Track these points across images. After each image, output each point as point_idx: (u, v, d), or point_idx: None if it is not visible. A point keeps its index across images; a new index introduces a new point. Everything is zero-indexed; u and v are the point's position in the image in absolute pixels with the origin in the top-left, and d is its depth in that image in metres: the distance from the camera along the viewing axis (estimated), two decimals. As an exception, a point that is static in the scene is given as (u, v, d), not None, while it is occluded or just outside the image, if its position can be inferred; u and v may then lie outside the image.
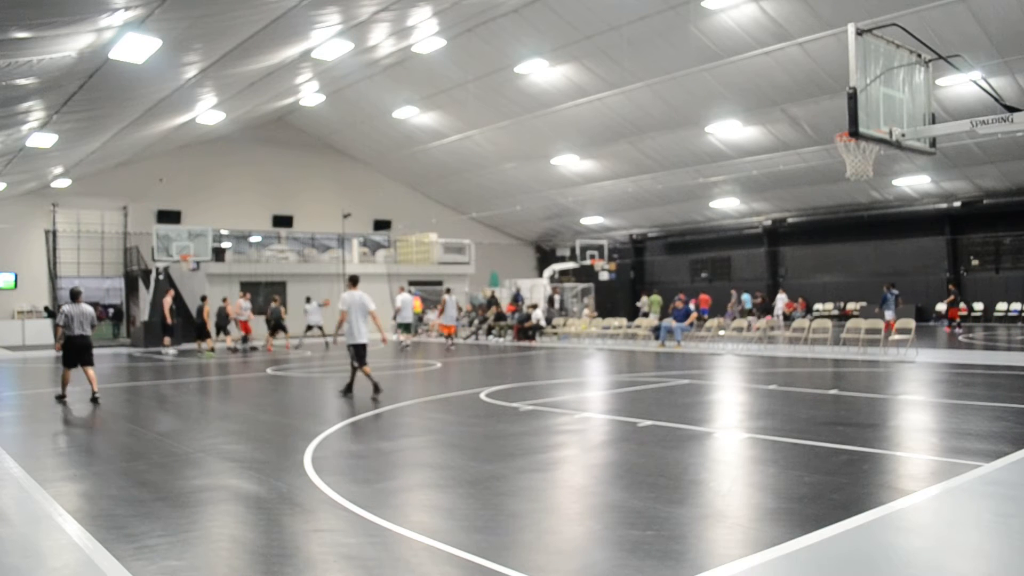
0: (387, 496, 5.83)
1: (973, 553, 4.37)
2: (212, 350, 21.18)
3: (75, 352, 11.50)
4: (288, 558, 4.43)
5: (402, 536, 4.79)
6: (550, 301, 31.98)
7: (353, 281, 11.57)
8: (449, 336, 23.29)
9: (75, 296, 11.70)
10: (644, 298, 29.25)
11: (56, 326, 11.61)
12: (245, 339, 23.52)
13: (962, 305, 25.88)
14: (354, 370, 11.55)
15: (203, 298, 22.49)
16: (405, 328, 23.99)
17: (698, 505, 5.43)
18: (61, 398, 11.64)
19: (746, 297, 29.04)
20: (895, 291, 22.28)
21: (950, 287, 25.94)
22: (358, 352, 11.39)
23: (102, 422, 10.04)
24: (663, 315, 26.55)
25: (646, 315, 26.73)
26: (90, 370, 11.56)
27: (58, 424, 10.12)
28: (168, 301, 22.07)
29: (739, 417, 9.43)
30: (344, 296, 11.41)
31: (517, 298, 28.29)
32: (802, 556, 4.25)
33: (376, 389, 11.34)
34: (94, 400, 11.30)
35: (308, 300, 24.34)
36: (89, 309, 11.70)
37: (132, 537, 4.85)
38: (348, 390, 11.60)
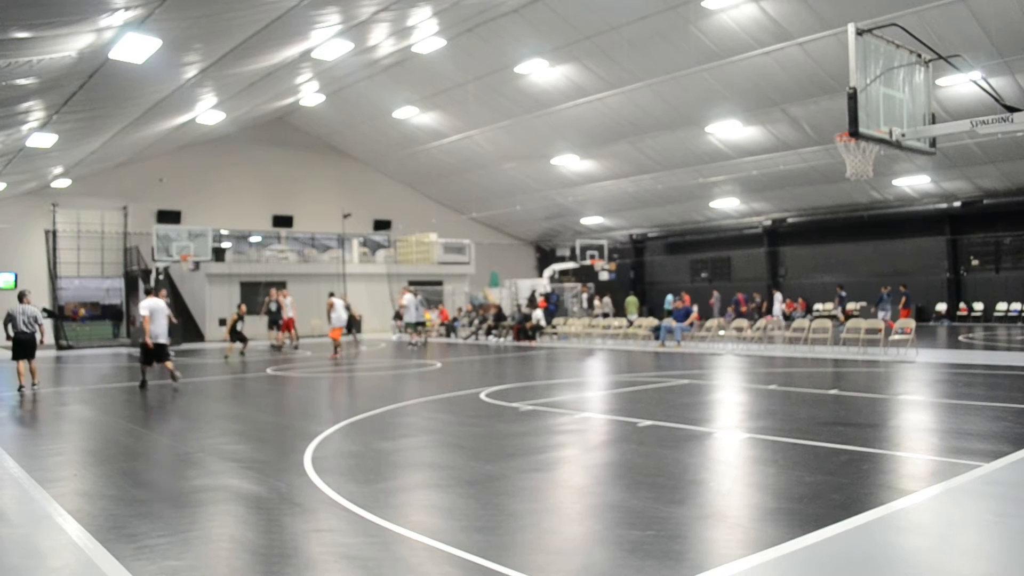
0: (387, 496, 5.83)
1: (973, 553, 4.37)
2: (234, 353, 20.84)
3: (19, 347, 12.88)
4: (288, 558, 4.43)
5: (402, 536, 4.79)
6: (589, 302, 32.11)
7: (155, 290, 13.83)
8: (336, 343, 19.99)
9: (21, 298, 13.22)
10: (669, 297, 29.22)
11: (4, 324, 13.14)
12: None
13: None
14: (165, 364, 13.29)
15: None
16: (414, 327, 23.80)
17: (698, 505, 5.43)
18: (20, 388, 12.81)
19: (668, 298, 28.41)
20: (888, 292, 22.14)
21: (895, 288, 25.40)
22: (159, 350, 13.20)
23: (102, 422, 10.04)
24: (640, 314, 26.94)
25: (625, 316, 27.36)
26: (31, 363, 12.98)
27: (58, 424, 10.12)
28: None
29: (739, 417, 9.42)
30: (145, 303, 13.32)
31: (549, 297, 28.34)
32: (802, 556, 4.25)
33: (143, 384, 13.16)
34: (32, 390, 12.81)
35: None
36: (32, 309, 13.14)
37: (132, 537, 4.85)
38: (143, 386, 13.18)
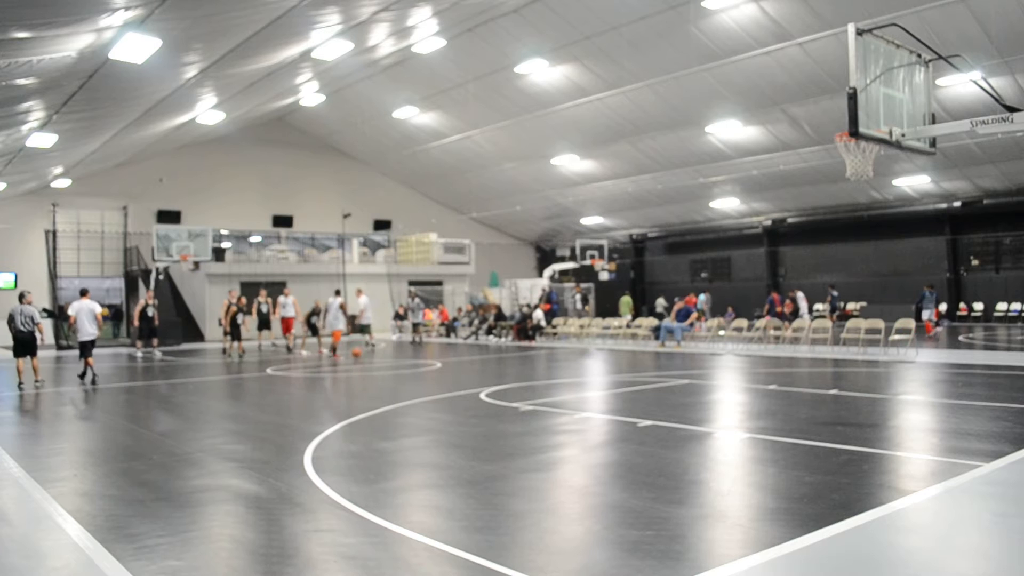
0: (387, 496, 5.83)
1: (973, 553, 4.37)
2: (235, 352, 20.44)
3: (19, 345, 13.44)
4: (288, 558, 4.43)
5: (402, 536, 4.79)
6: (584, 301, 32.03)
7: (83, 293, 14.78)
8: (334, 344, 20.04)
9: (21, 298, 13.80)
10: (660, 300, 29.26)
11: (7, 323, 13.73)
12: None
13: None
14: (87, 360, 14.24)
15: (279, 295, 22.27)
16: (364, 329, 23.03)
17: (698, 505, 5.43)
18: (20, 385, 13.40)
19: (702, 297, 28.73)
20: (932, 290, 22.29)
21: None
22: (84, 346, 14.32)
23: (102, 422, 10.04)
24: (636, 315, 27.01)
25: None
26: (34, 361, 13.57)
27: (58, 424, 10.12)
28: (141, 303, 21.14)
29: (739, 417, 9.42)
30: (74, 304, 14.52)
31: (550, 298, 28.28)
32: (802, 556, 4.25)
33: (94, 379, 13.96)
34: (35, 386, 13.38)
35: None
36: (31, 309, 13.70)
37: (132, 537, 4.85)
38: (83, 376, 14.24)
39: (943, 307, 29.34)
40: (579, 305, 32.45)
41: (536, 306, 26.70)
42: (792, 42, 20.57)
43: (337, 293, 21.02)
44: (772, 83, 22.83)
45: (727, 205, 33.82)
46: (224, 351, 20.83)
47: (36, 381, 13.56)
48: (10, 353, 13.70)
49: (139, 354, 21.04)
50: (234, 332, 20.36)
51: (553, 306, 27.11)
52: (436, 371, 15.96)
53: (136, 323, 21.40)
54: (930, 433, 8.13)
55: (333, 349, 19.97)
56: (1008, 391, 10.88)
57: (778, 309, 26.78)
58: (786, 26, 20.06)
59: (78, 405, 11.64)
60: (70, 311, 14.52)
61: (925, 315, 21.46)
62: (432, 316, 28.93)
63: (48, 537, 4.99)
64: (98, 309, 14.68)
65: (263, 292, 23.17)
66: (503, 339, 25.51)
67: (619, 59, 22.95)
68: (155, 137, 26.68)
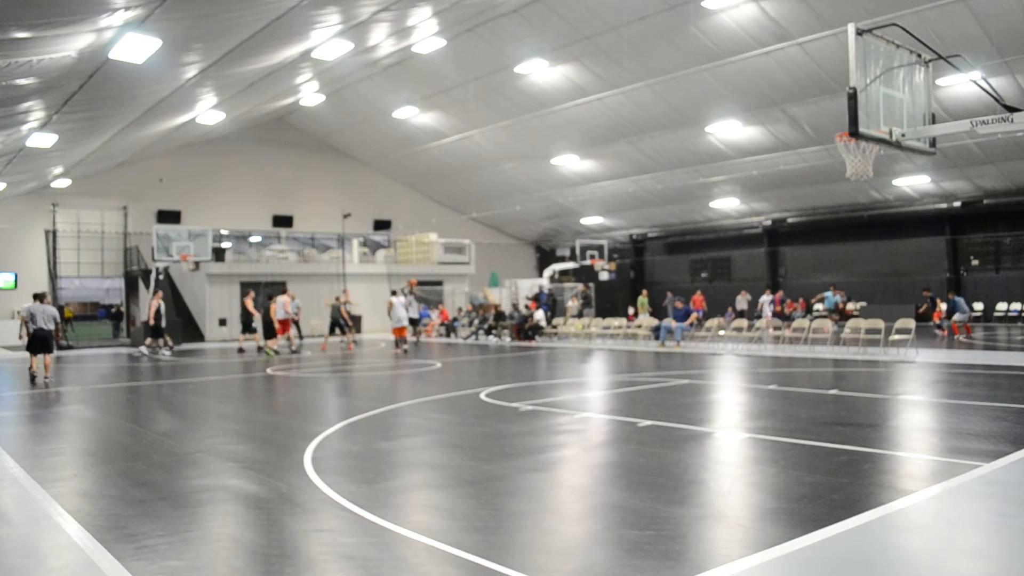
0: (387, 496, 5.83)
1: (973, 553, 4.37)
2: (276, 351, 20.74)
3: (36, 342, 13.98)
4: (288, 558, 4.43)
5: (402, 536, 4.79)
6: (585, 300, 31.89)
7: (34, 296, 14.90)
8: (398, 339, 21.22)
9: (42, 298, 14.33)
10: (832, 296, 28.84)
11: (24, 321, 14.18)
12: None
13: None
14: (45, 357, 14.45)
15: (269, 297, 22.15)
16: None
17: (698, 505, 5.43)
18: (32, 377, 14.07)
19: (830, 296, 27.93)
20: (960, 297, 22.53)
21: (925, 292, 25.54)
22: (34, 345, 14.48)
23: (102, 422, 10.04)
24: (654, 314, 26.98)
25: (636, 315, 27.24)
26: (47, 358, 14.07)
27: (58, 424, 10.12)
28: (155, 303, 21.24)
29: (739, 417, 9.42)
30: (28, 307, 14.50)
31: (539, 298, 28.19)
32: (802, 556, 4.25)
33: (32, 378, 14.27)
34: (45, 382, 13.89)
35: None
36: (51, 308, 14.23)
37: (132, 537, 4.85)
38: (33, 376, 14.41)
39: (942, 307, 29.39)
40: (568, 305, 32.06)
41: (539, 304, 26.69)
42: (792, 42, 20.58)
43: (394, 293, 21.78)
44: (772, 83, 22.84)
45: (727, 205, 33.83)
46: (260, 349, 21.18)
47: (45, 377, 14.03)
48: (10, 352, 13.77)
49: (166, 352, 21.46)
50: (268, 330, 20.76)
51: (543, 306, 26.84)
52: (436, 371, 15.96)
53: (152, 322, 21.52)
54: (930, 433, 8.13)
55: (399, 343, 20.96)
56: (1008, 391, 10.88)
57: (777, 308, 26.65)
58: (786, 26, 20.07)
59: (79, 404, 11.64)
60: (24, 314, 14.44)
61: (958, 317, 21.65)
62: (435, 326, 28.89)
63: (48, 537, 4.99)
64: (53, 312, 14.92)
65: (291, 294, 22.96)
66: (503, 339, 25.50)
67: (619, 59, 22.96)
68: (155, 137, 26.68)
